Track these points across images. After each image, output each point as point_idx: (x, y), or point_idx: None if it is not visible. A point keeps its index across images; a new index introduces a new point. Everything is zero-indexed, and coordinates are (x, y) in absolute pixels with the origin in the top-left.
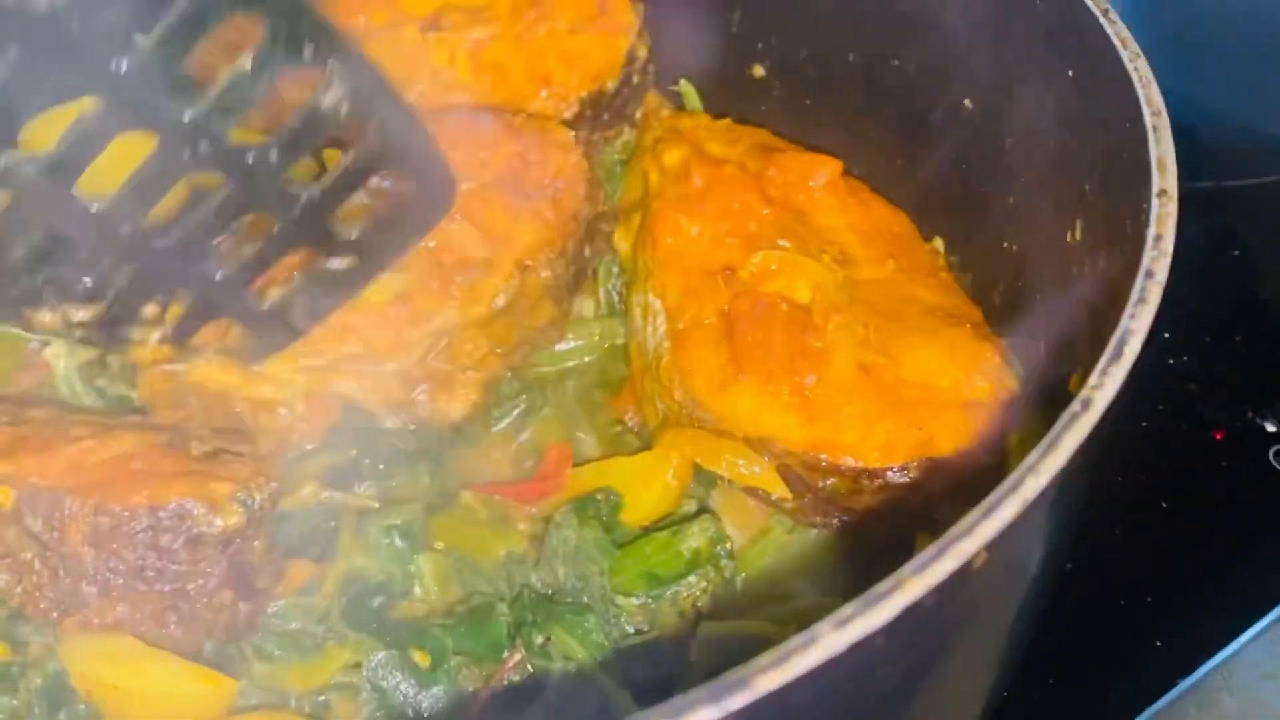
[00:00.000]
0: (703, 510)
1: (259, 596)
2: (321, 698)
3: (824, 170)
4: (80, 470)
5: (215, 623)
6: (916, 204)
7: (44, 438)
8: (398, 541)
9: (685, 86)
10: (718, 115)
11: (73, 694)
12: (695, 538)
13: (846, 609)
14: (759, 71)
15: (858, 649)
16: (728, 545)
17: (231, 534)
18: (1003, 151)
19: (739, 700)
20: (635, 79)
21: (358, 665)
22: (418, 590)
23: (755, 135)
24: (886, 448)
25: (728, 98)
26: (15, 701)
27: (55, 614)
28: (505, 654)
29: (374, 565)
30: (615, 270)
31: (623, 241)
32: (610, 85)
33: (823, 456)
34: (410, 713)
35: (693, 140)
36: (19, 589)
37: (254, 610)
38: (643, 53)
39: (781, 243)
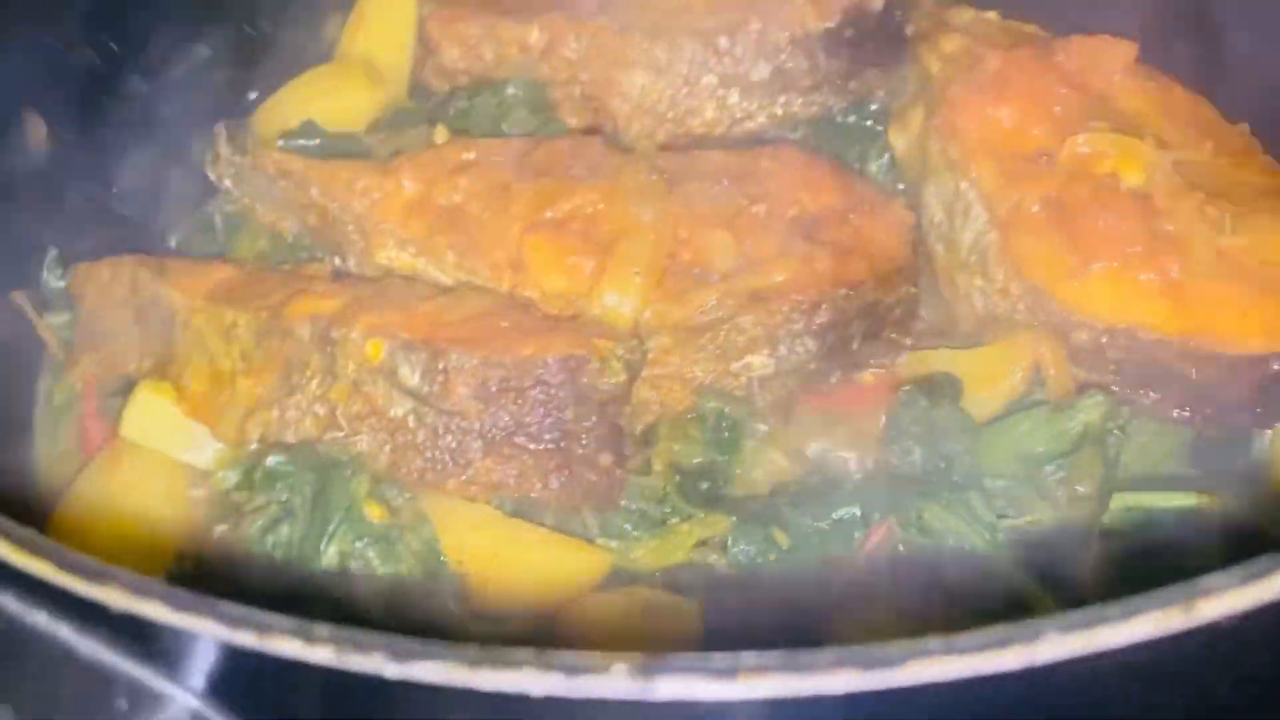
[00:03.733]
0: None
1: (629, 461)
2: (667, 576)
3: (1120, 51)
4: (446, 326)
5: (594, 486)
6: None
7: (386, 299)
8: (724, 431)
9: None
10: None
11: (442, 563)
12: (1088, 413)
13: None
14: None
15: None
16: (1121, 422)
17: (614, 391)
18: None
19: None
20: (898, 15)
21: (704, 543)
22: (741, 472)
23: (1026, 28)
24: (1270, 333)
25: None
26: (400, 567)
27: (430, 475)
28: (859, 534)
29: (696, 451)
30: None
31: (899, 138)
32: (875, 3)
33: (1200, 344)
34: (773, 590)
35: (965, 30)
36: (387, 448)
37: (623, 478)
38: None
39: (1095, 124)
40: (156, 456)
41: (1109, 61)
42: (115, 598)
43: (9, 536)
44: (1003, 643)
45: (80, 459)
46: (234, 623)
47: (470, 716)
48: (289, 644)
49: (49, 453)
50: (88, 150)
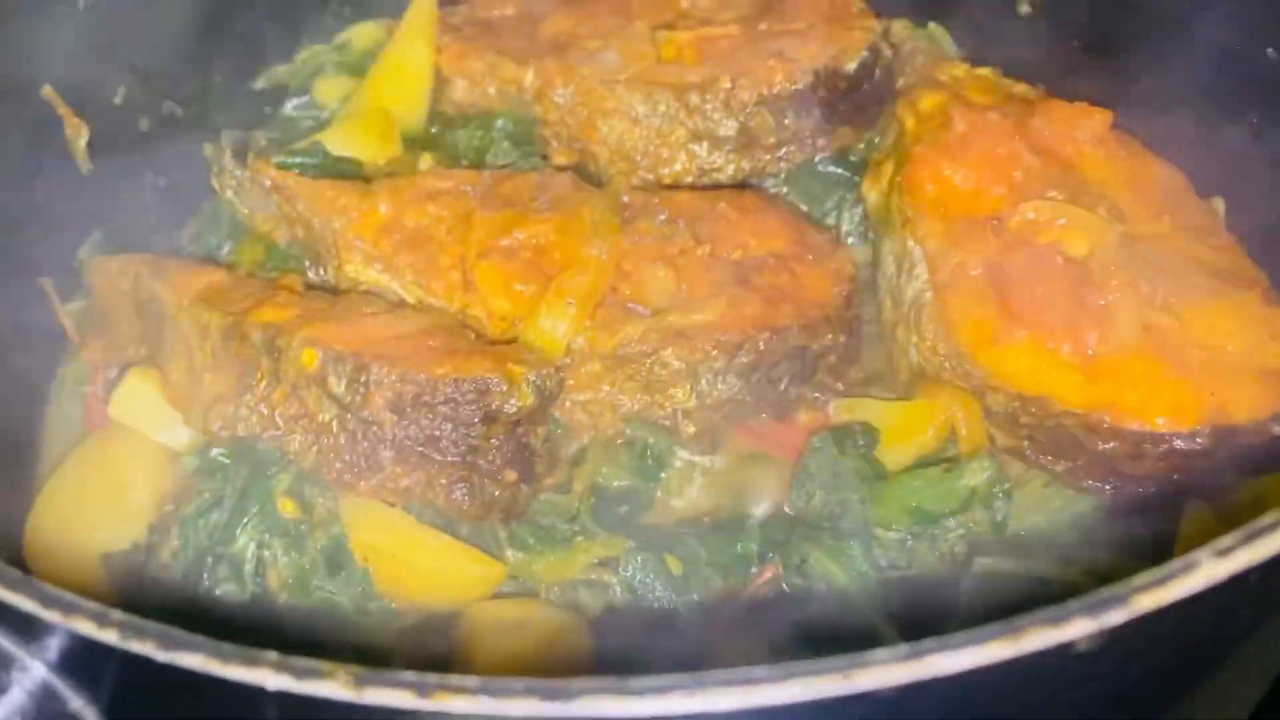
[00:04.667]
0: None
1: (535, 482)
2: (566, 591)
3: (1093, 121)
4: (378, 342)
5: (497, 500)
6: (1196, 163)
7: (334, 311)
8: (648, 459)
9: (935, 29)
10: (972, 62)
11: (350, 557)
12: (973, 476)
13: (1226, 540)
14: (1024, 9)
15: (1235, 582)
16: (1006, 487)
17: (523, 414)
18: None
19: (1116, 616)
20: (878, 75)
21: (603, 563)
22: (661, 498)
23: (1014, 87)
24: (1176, 412)
25: (982, 38)
26: (303, 560)
27: (348, 477)
28: (754, 569)
29: (620, 475)
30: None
31: (872, 190)
32: (849, 66)
33: (1105, 418)
34: (662, 616)
35: (950, 88)
36: (314, 449)
37: (530, 494)
38: (888, 53)
39: (1051, 193)
40: (139, 437)
41: (1080, 129)
42: None
43: None
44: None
45: (83, 431)
46: (45, 603)
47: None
48: (86, 625)
49: (58, 422)
50: (123, 153)
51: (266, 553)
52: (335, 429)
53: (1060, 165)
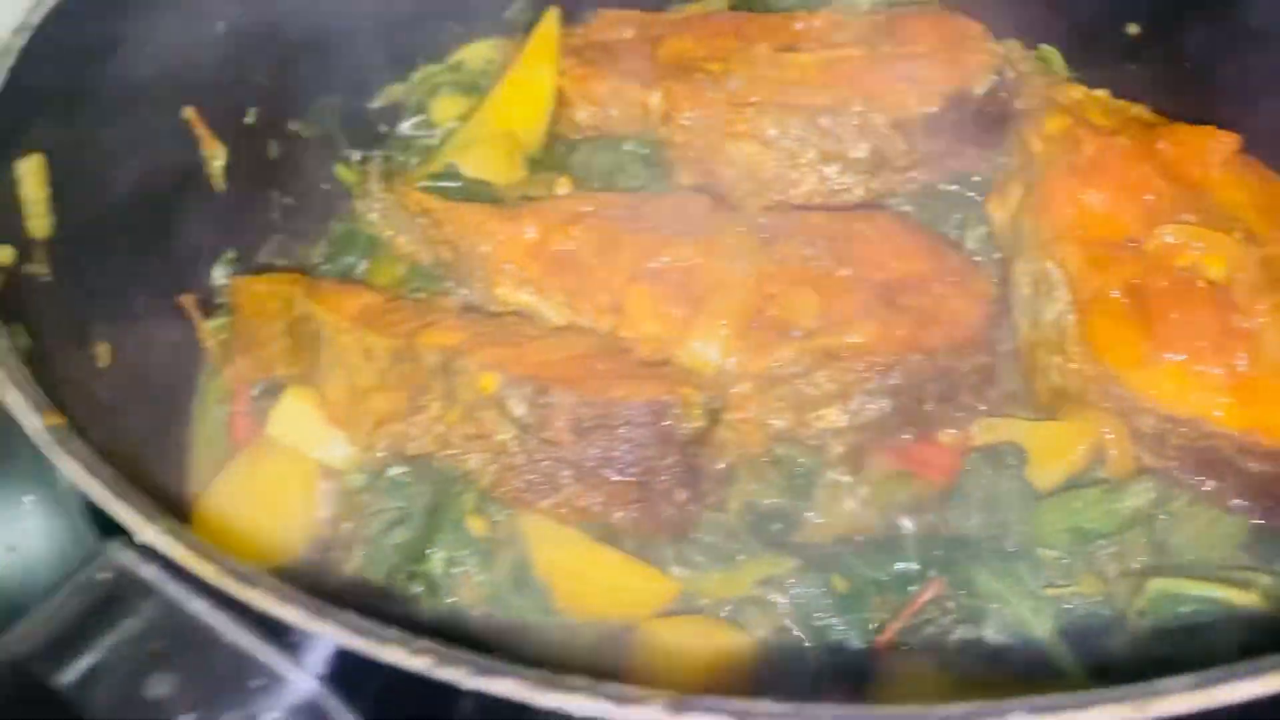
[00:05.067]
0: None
1: (702, 500)
2: (731, 609)
3: (1221, 144)
4: (552, 365)
5: (669, 518)
6: None
7: (501, 334)
8: (797, 477)
9: (1046, 50)
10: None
11: (531, 574)
12: (1136, 497)
13: None
14: (1133, 29)
15: None
16: (1171, 507)
17: (694, 434)
18: None
19: None
20: (1003, 96)
21: (768, 581)
22: (811, 517)
23: (1132, 109)
24: None
25: (1093, 61)
26: (495, 576)
27: (528, 496)
28: (913, 589)
29: (769, 493)
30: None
31: (998, 210)
32: (977, 90)
33: (1260, 440)
34: (827, 634)
35: (1071, 110)
36: (492, 468)
37: (697, 513)
38: (1011, 75)
39: (1184, 217)
40: (295, 454)
41: (1209, 153)
42: (259, 600)
43: (183, 542)
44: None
45: (228, 448)
46: (354, 630)
47: None
48: (395, 653)
49: (203, 439)
50: (252, 173)
51: (457, 570)
52: (514, 449)
53: (1190, 188)
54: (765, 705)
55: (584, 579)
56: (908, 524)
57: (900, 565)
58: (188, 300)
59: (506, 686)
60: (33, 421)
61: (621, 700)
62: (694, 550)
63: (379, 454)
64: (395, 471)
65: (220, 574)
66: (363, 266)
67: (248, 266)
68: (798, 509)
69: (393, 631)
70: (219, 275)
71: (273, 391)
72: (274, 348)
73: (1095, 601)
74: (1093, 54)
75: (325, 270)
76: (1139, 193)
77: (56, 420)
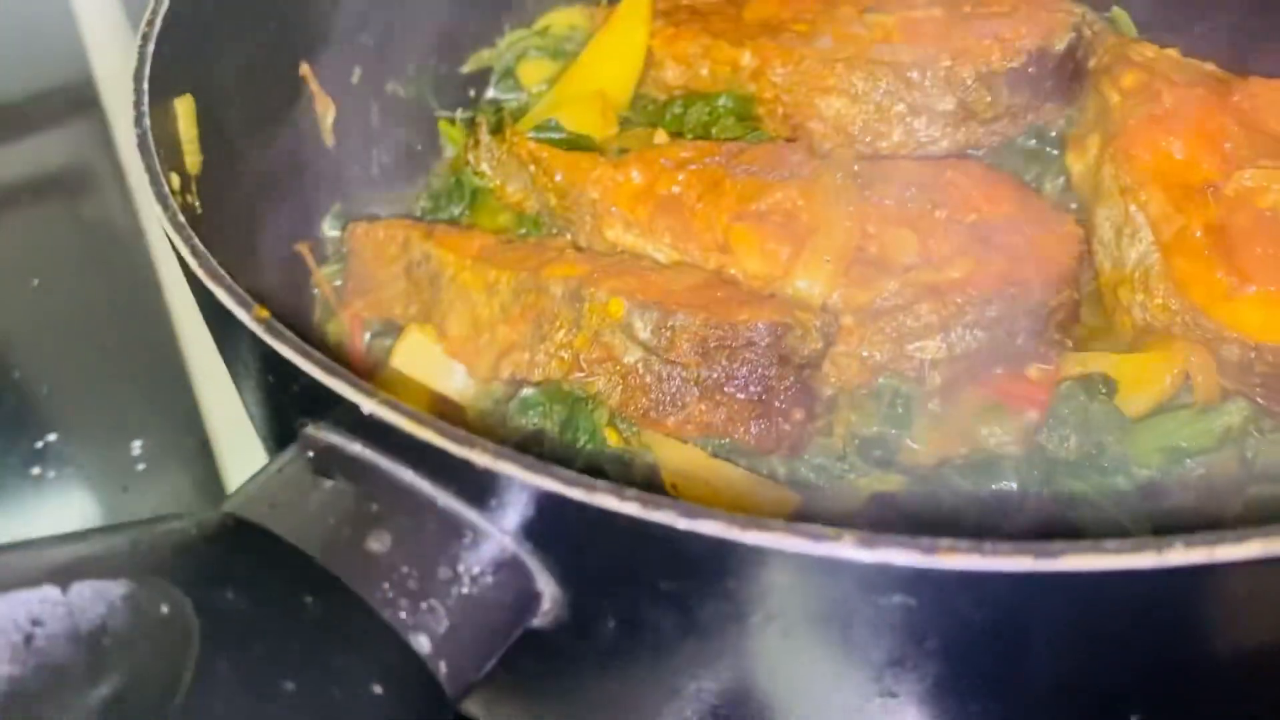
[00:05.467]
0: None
1: (816, 421)
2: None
3: None
4: (673, 294)
5: (785, 436)
6: None
7: (622, 268)
8: (897, 407)
9: (1118, 12)
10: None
11: (660, 485)
12: (1230, 415)
13: None
14: None
15: None
16: (1263, 426)
17: (811, 356)
18: None
19: None
20: (1080, 53)
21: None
22: (910, 444)
23: (1202, 67)
24: None
25: (1161, 24)
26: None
27: (653, 414)
28: (1014, 507)
29: (869, 422)
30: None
31: (1077, 162)
32: (1058, 46)
33: None
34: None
35: (1145, 66)
36: (619, 389)
37: (812, 432)
38: (1088, 34)
39: (1263, 162)
40: (418, 386)
41: None
42: (477, 457)
43: (400, 411)
44: (1138, 547)
45: None
46: (567, 482)
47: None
48: (607, 499)
49: None
50: (356, 129)
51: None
52: (641, 370)
53: (1268, 137)
54: (948, 542)
55: (711, 490)
56: (1003, 450)
57: (1000, 484)
58: (303, 247)
59: (713, 527)
60: (244, 315)
61: (817, 537)
62: (804, 468)
63: (504, 382)
64: (528, 393)
65: (439, 436)
66: (465, 219)
67: (355, 218)
68: (898, 438)
69: (602, 481)
70: (328, 227)
71: (385, 334)
72: (391, 289)
73: (1192, 509)
74: (1161, 17)
75: (434, 218)
76: (1217, 140)
77: (263, 313)
